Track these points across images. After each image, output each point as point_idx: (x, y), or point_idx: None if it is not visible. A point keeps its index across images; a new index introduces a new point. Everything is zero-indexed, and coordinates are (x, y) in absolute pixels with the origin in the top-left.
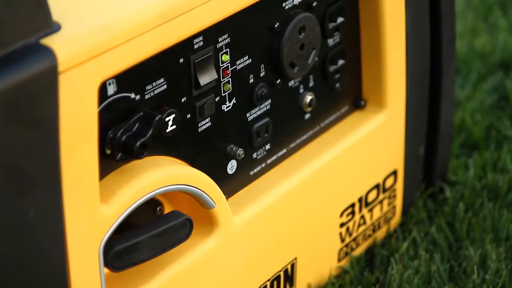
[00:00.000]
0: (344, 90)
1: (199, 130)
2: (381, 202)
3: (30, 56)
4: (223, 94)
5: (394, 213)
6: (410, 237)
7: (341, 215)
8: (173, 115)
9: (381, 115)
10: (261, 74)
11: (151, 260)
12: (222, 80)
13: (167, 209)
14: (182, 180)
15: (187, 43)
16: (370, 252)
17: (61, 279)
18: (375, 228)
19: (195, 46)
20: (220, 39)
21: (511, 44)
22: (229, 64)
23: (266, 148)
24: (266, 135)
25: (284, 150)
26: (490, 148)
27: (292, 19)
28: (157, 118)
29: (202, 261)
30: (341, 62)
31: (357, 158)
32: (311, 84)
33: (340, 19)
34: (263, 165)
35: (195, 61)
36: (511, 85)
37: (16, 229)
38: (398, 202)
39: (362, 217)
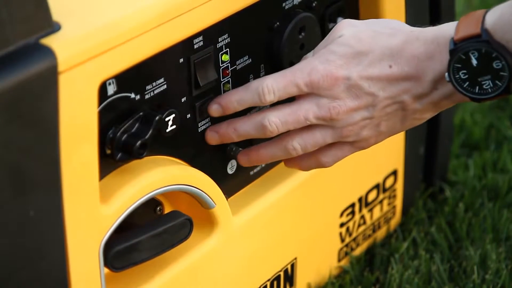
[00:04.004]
0: None
1: (199, 130)
2: (381, 202)
3: (30, 56)
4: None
5: (394, 213)
6: (410, 237)
7: (341, 215)
8: (173, 115)
9: None
10: (261, 74)
11: (151, 260)
12: (222, 80)
13: (167, 209)
14: (182, 180)
15: (187, 43)
16: (370, 252)
17: (61, 279)
18: (375, 228)
19: (195, 46)
20: (220, 39)
21: None
22: (229, 64)
23: None
24: None
25: None
26: (490, 148)
27: (292, 19)
28: (157, 118)
29: (202, 261)
30: None
31: (357, 158)
32: None
33: (340, 19)
34: (263, 165)
35: (195, 61)
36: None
37: (16, 229)
38: (398, 202)
39: (362, 217)
